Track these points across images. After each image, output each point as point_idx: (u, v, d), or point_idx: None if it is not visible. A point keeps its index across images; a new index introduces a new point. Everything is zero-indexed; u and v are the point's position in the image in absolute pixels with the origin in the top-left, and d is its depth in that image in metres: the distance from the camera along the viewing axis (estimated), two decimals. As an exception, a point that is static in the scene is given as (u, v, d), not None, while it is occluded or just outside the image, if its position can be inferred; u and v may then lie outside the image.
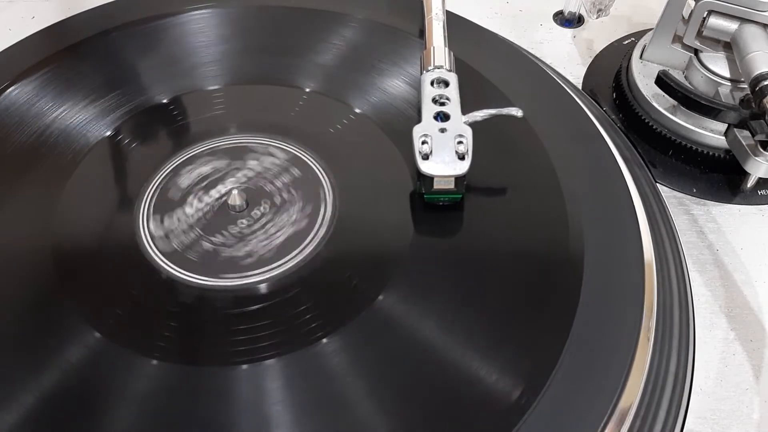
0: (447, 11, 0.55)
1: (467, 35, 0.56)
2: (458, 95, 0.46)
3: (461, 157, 0.42)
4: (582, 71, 0.62)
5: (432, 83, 0.47)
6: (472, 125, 0.44)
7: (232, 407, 0.36)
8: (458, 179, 0.42)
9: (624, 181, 0.46)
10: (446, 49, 0.50)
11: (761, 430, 0.41)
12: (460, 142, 0.43)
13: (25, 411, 0.36)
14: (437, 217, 0.44)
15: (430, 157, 0.42)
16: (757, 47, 0.49)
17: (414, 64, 0.52)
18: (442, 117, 0.44)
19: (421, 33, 0.53)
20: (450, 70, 0.48)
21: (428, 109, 0.45)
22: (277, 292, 0.41)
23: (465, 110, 0.45)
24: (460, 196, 0.44)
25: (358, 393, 0.37)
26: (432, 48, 0.50)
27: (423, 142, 0.43)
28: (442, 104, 0.45)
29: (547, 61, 0.62)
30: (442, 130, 0.43)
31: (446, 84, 0.47)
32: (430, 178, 0.42)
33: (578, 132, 0.49)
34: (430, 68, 0.48)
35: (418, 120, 0.44)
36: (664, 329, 0.43)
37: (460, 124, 0.44)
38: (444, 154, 0.42)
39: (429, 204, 0.44)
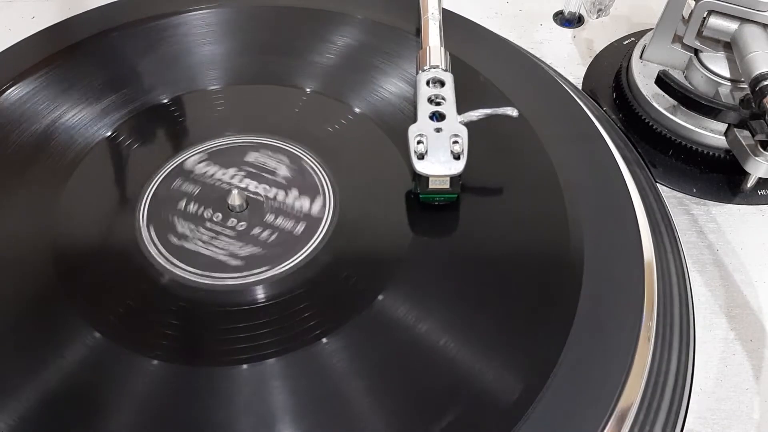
0: (447, 11, 0.55)
1: (467, 35, 0.56)
2: (454, 95, 0.46)
3: (456, 157, 0.42)
4: (582, 71, 0.62)
5: (428, 83, 0.47)
6: (468, 125, 0.44)
7: (232, 407, 0.36)
8: (453, 179, 0.42)
9: (624, 181, 0.46)
10: (442, 48, 0.50)
11: (761, 430, 0.41)
12: (455, 142, 0.43)
13: (25, 411, 0.36)
14: (437, 217, 0.44)
15: (425, 156, 0.42)
16: (757, 47, 0.49)
17: (414, 64, 0.51)
18: (438, 117, 0.44)
19: (418, 32, 0.54)
20: (446, 70, 0.48)
21: (424, 109, 0.45)
22: (277, 292, 0.41)
23: (463, 110, 0.45)
24: (456, 195, 0.44)
25: (358, 393, 0.37)
26: (428, 48, 0.50)
27: (418, 142, 0.43)
28: (438, 104, 0.45)
29: (547, 61, 0.62)
30: (438, 130, 0.43)
31: (442, 84, 0.47)
32: (425, 178, 0.42)
33: (578, 132, 0.49)
34: (425, 68, 0.48)
35: (414, 120, 0.44)
36: (664, 329, 0.43)
37: (455, 123, 0.44)
38: (439, 153, 0.42)
39: (429, 204, 0.44)
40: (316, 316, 0.39)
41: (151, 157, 0.48)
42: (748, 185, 0.52)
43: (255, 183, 0.46)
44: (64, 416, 0.36)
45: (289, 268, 0.42)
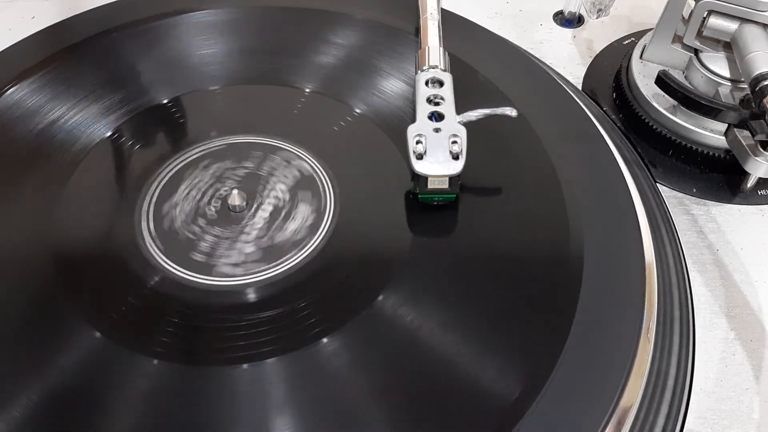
0: (447, 11, 0.55)
1: (467, 35, 0.56)
2: (452, 95, 0.46)
3: (455, 157, 0.42)
4: (582, 71, 0.62)
5: (426, 83, 0.47)
6: (467, 125, 0.44)
7: (232, 407, 0.36)
8: (452, 179, 0.42)
9: (624, 181, 0.46)
10: (441, 48, 0.50)
11: (761, 430, 0.41)
12: (454, 142, 0.43)
13: (25, 411, 0.36)
14: (437, 217, 0.44)
15: (424, 156, 0.42)
16: (757, 47, 0.49)
17: (413, 64, 0.51)
18: (437, 117, 0.44)
19: (417, 32, 0.54)
20: (445, 70, 0.48)
21: (422, 109, 0.45)
22: (277, 292, 0.41)
23: (462, 109, 0.45)
24: (455, 195, 0.44)
25: (358, 393, 0.37)
26: (427, 48, 0.50)
27: (417, 142, 0.43)
28: (437, 104, 0.45)
29: (547, 61, 0.62)
30: (437, 130, 0.43)
31: (441, 84, 0.47)
32: (424, 178, 0.42)
33: (578, 132, 0.49)
34: (424, 68, 0.48)
35: (413, 120, 0.44)
36: (664, 329, 0.43)
37: (454, 123, 0.44)
38: (438, 153, 0.43)
39: (428, 204, 0.44)
40: (316, 316, 0.39)
41: (151, 157, 0.48)
42: (748, 185, 0.52)
43: (254, 183, 0.46)
44: (64, 416, 0.36)
45: (289, 268, 0.42)
